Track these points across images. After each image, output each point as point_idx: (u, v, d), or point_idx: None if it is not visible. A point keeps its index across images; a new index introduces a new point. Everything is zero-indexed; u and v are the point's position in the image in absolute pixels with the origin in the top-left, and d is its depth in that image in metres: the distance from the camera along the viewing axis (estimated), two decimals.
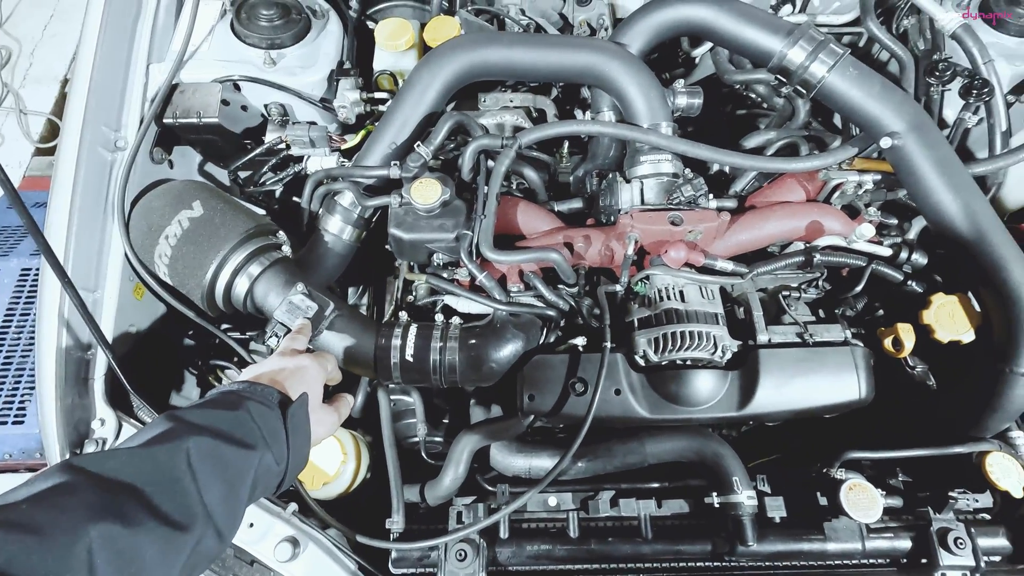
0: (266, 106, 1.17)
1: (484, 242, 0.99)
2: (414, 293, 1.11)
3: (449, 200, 1.03)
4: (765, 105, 1.41)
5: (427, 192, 1.01)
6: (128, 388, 0.96)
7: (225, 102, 1.13)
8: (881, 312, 1.14)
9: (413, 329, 0.99)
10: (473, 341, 0.98)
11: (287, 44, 1.17)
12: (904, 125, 1.03)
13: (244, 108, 1.17)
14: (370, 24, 1.26)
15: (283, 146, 1.13)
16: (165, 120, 1.09)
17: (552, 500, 0.99)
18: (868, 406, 1.16)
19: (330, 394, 0.88)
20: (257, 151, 1.12)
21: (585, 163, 1.24)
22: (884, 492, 0.94)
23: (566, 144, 1.26)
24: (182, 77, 1.13)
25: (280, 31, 1.15)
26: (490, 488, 1.01)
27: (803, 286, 1.07)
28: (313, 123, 1.14)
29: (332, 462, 1.02)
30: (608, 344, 0.93)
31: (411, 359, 0.97)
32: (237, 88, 1.15)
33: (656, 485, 1.02)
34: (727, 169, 1.23)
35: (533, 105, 1.27)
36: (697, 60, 1.54)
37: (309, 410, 0.79)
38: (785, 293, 1.06)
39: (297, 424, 0.75)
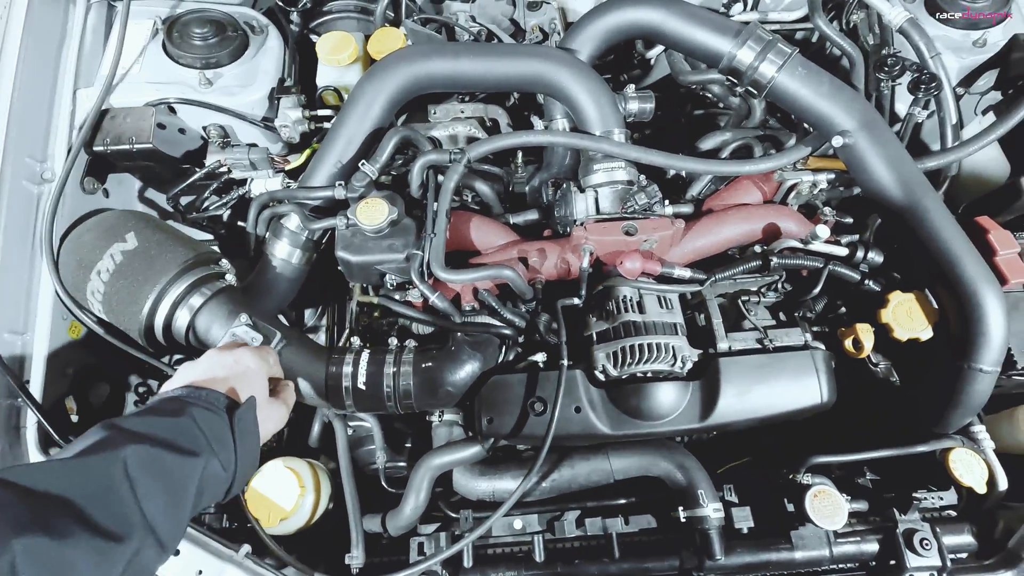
0: (205, 128, 1.13)
1: (435, 261, 0.96)
2: (373, 315, 1.08)
3: (397, 219, 0.99)
4: (721, 105, 1.40)
5: (374, 212, 0.97)
6: (57, 438, 0.91)
7: (161, 126, 1.08)
8: (844, 311, 1.13)
9: (365, 355, 0.96)
10: (427, 365, 0.94)
11: (224, 63, 1.12)
12: (854, 123, 1.02)
13: (182, 131, 1.12)
14: (313, 38, 1.22)
15: (224, 169, 1.09)
16: (95, 148, 1.04)
17: (518, 523, 0.97)
18: (835, 406, 1.17)
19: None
20: (196, 176, 1.07)
21: (540, 173, 1.22)
22: (849, 497, 0.93)
23: (520, 154, 1.24)
24: (113, 102, 1.07)
25: (216, 49, 1.11)
26: (453, 515, 0.98)
27: (762, 289, 1.06)
28: (254, 145, 1.10)
29: (289, 496, 0.98)
30: (565, 362, 0.91)
31: (364, 386, 0.94)
32: (173, 111, 1.10)
33: (623, 501, 1.00)
34: (683, 172, 1.21)
35: (485, 115, 1.25)
36: (652, 62, 1.52)
37: (258, 405, 0.76)
38: (744, 298, 1.04)
39: (245, 428, 0.73)
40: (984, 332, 0.92)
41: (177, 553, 0.87)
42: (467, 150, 1.03)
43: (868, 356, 1.06)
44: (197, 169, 1.09)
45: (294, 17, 1.23)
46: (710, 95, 1.42)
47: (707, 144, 1.23)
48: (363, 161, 1.02)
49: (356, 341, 0.99)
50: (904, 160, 1.01)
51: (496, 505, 0.95)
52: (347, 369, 0.94)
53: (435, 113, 1.22)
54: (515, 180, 1.24)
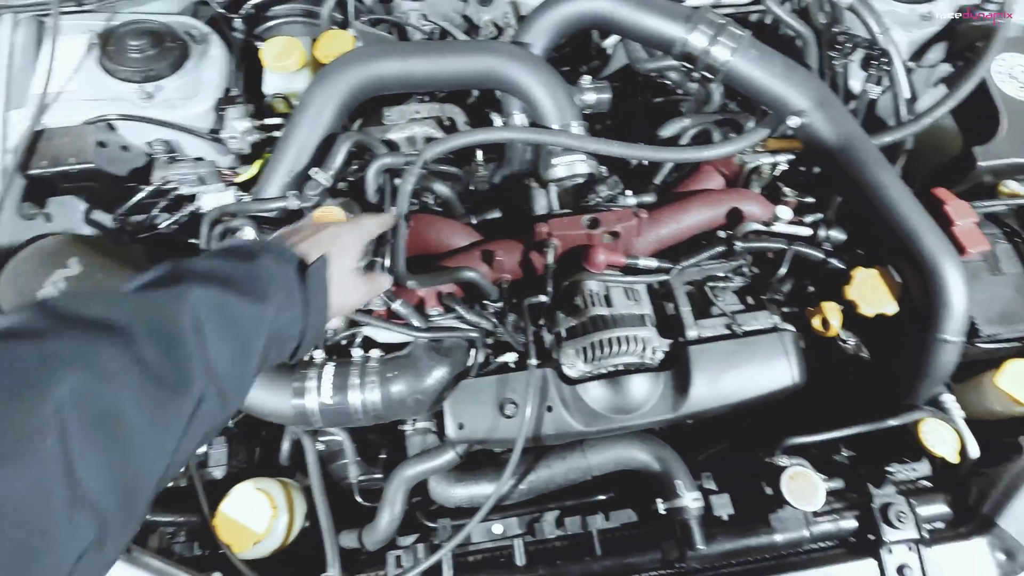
0: (149, 144, 1.09)
1: (396, 267, 0.93)
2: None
3: None
4: (680, 91, 1.40)
5: (327, 220, 0.94)
6: None
7: (102, 144, 1.04)
8: (813, 290, 1.14)
9: (329, 369, 0.93)
10: (394, 374, 0.92)
11: (164, 75, 1.08)
12: (808, 102, 1.02)
13: (125, 148, 1.08)
14: (259, 45, 1.18)
15: (172, 186, 1.05)
16: (31, 171, 0.99)
17: (497, 528, 0.95)
18: (810, 386, 1.18)
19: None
20: (142, 194, 1.03)
21: (501, 170, 1.20)
22: (825, 476, 0.94)
23: (479, 153, 1.21)
24: (47, 122, 1.02)
25: (154, 62, 1.07)
26: (431, 524, 0.96)
27: (729, 274, 1.06)
28: (200, 159, 1.06)
29: (261, 519, 0.95)
30: (534, 361, 0.89)
31: (330, 402, 0.91)
32: (113, 128, 1.06)
33: (603, 497, 0.99)
34: (645, 161, 1.20)
35: (442, 114, 1.22)
36: (609, 51, 1.51)
37: (341, 273, 0.72)
38: (712, 284, 1.04)
39: (315, 285, 0.68)
40: (945, 303, 0.93)
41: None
42: (423, 151, 1.01)
43: (838, 334, 1.07)
44: (143, 187, 1.05)
45: (237, 24, 1.19)
46: (668, 82, 1.42)
47: (667, 131, 1.23)
48: (315, 169, 0.99)
49: (319, 355, 0.97)
50: (858, 137, 1.01)
51: (474, 511, 0.94)
52: (310, 384, 0.91)
53: (390, 115, 1.20)
54: (476, 179, 1.22)
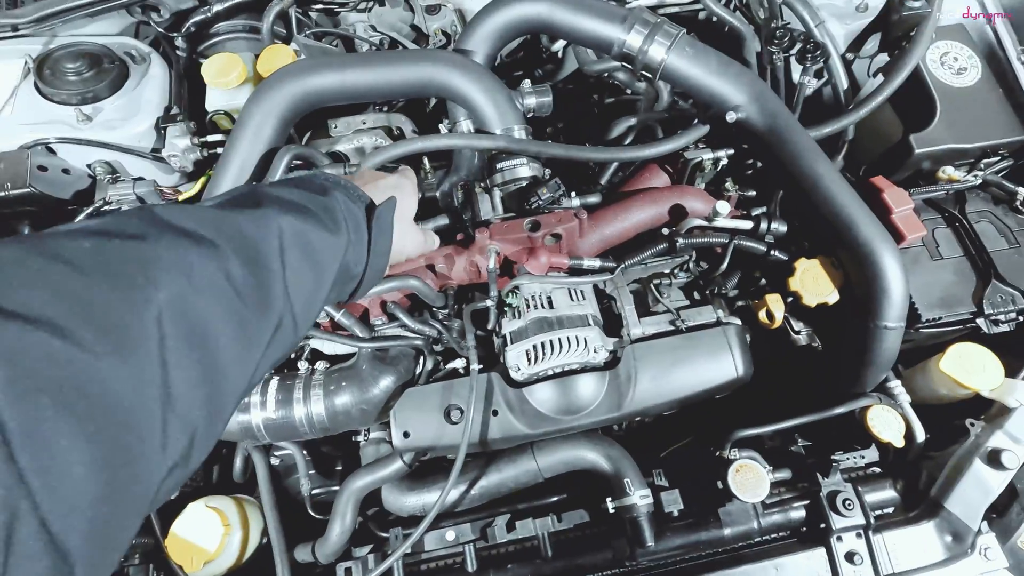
0: (90, 166, 1.08)
1: None
2: None
3: None
4: (630, 91, 1.41)
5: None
6: None
7: (42, 168, 1.03)
8: (764, 282, 1.14)
9: (273, 383, 0.93)
10: (337, 386, 0.92)
11: (103, 96, 1.08)
12: (744, 97, 1.03)
13: (66, 171, 1.08)
14: (202, 62, 1.18)
15: (114, 206, 1.05)
16: None
17: (450, 534, 0.95)
18: (767, 377, 1.18)
19: None
20: (81, 216, 1.03)
21: (449, 177, 1.20)
22: (772, 467, 0.94)
23: (427, 160, 1.22)
24: None
25: (92, 83, 1.06)
26: (383, 534, 0.96)
27: (675, 271, 1.07)
28: (140, 179, 1.06)
29: (213, 537, 0.95)
30: (475, 367, 0.89)
31: (274, 416, 0.91)
32: (52, 151, 1.06)
33: (555, 499, 0.99)
34: (592, 163, 1.21)
35: (389, 124, 1.23)
36: (560, 55, 1.52)
37: (403, 220, 0.73)
38: (657, 281, 1.04)
39: (381, 226, 0.68)
40: (885, 290, 0.94)
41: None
42: (363, 161, 1.01)
43: (790, 325, 1.08)
44: (85, 209, 1.04)
45: (179, 43, 1.19)
46: (617, 83, 1.43)
47: (614, 132, 1.24)
48: (254, 183, 0.99)
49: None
50: (794, 130, 1.02)
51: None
52: (255, 399, 0.91)
53: (336, 127, 1.20)
54: (425, 186, 1.22)
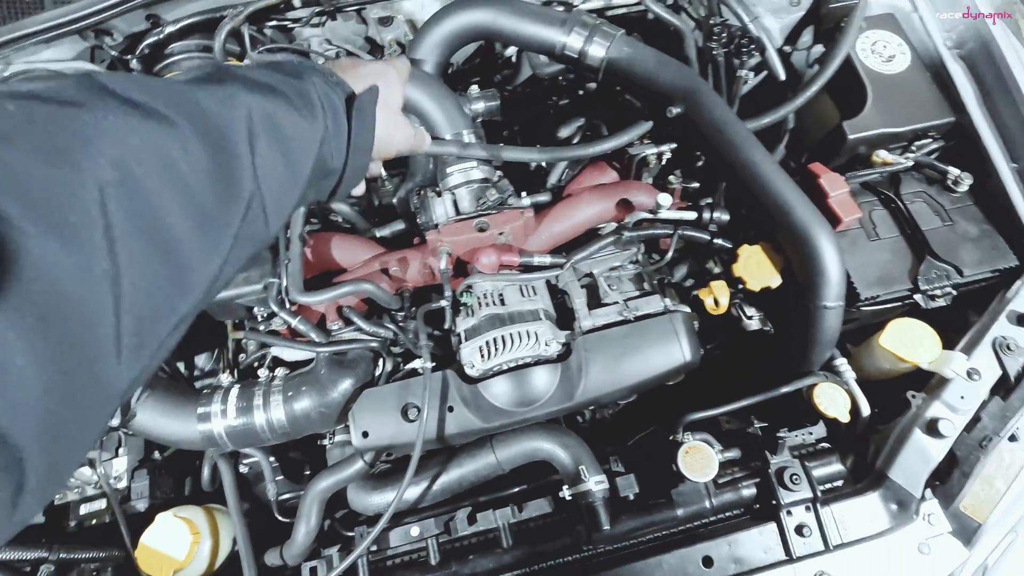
0: None
1: (293, 286, 0.96)
2: (244, 351, 1.08)
3: None
4: (582, 92, 1.45)
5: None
6: None
7: None
8: (719, 271, 1.18)
9: (234, 391, 0.95)
10: (297, 391, 0.95)
11: None
12: (682, 93, 1.07)
13: None
14: None
15: None
16: None
17: (415, 530, 0.97)
18: (725, 362, 1.22)
19: None
20: None
21: (406, 183, 1.23)
22: (722, 448, 0.98)
23: (382, 169, 1.25)
24: None
25: None
26: (348, 533, 0.98)
27: (625, 263, 1.10)
28: None
29: (181, 546, 0.97)
30: (428, 364, 0.92)
31: (235, 424, 0.93)
32: None
33: (517, 490, 1.02)
34: (544, 163, 1.25)
35: None
36: (514, 59, 1.56)
37: (387, 111, 0.66)
38: (606, 274, 1.08)
39: (364, 118, 0.60)
40: (822, 271, 0.97)
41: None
42: None
43: (742, 311, 1.11)
44: None
45: (134, 65, 1.22)
46: (569, 84, 1.47)
47: (564, 132, 1.27)
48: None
49: (224, 378, 0.99)
50: (731, 122, 1.06)
51: (392, 518, 0.96)
52: (215, 408, 0.93)
53: None
54: (382, 193, 1.25)
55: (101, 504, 1.03)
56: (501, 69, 1.63)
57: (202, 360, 1.30)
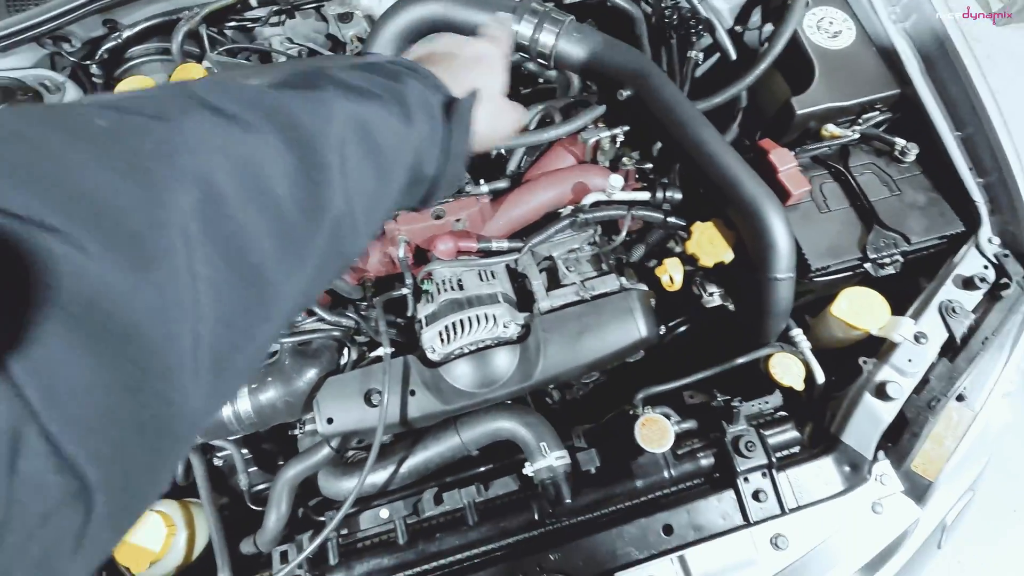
0: None
1: None
2: None
3: None
4: (541, 80, 1.46)
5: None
6: None
7: None
8: (680, 250, 1.20)
9: None
10: (262, 382, 0.97)
11: None
12: (631, 75, 1.09)
13: None
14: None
15: None
16: None
17: (384, 512, 1.00)
18: (691, 340, 1.24)
19: None
20: None
21: None
22: (679, 420, 1.00)
23: None
24: None
25: None
26: (319, 518, 1.01)
27: (583, 245, 1.12)
28: None
29: (156, 537, 0.99)
30: (388, 350, 0.94)
31: None
32: None
33: (483, 469, 1.04)
34: (503, 151, 1.27)
35: None
36: None
37: (490, 103, 0.62)
38: (565, 256, 1.10)
39: (461, 124, 0.57)
40: (771, 243, 1.00)
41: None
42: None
43: (703, 288, 1.14)
44: None
45: (95, 70, 1.23)
46: (530, 73, 1.48)
47: (522, 121, 1.29)
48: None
49: None
50: (680, 102, 1.08)
51: (361, 502, 0.99)
52: None
53: None
54: None
55: None
56: None
57: None
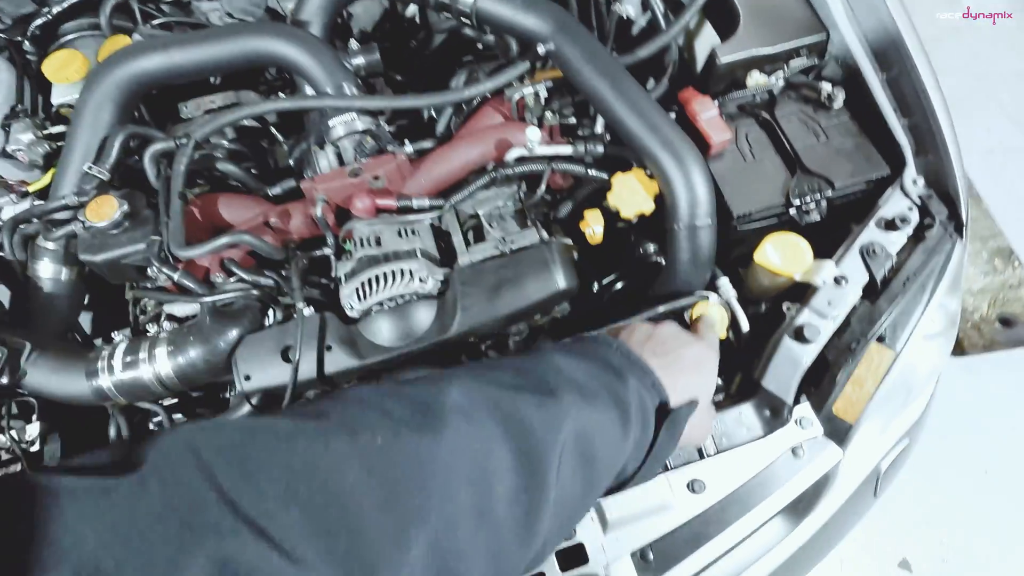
0: None
1: (173, 242, 0.99)
2: (145, 312, 1.11)
3: (134, 212, 1.02)
4: (481, 45, 1.46)
5: (103, 209, 1.00)
6: None
7: None
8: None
9: (121, 346, 0.98)
10: (184, 343, 0.97)
11: None
12: (550, 29, 1.09)
13: None
14: None
15: None
16: None
17: None
18: (629, 293, 1.23)
19: None
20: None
21: (301, 143, 1.26)
22: None
23: (276, 132, 1.27)
24: None
25: None
26: None
27: (507, 202, 1.12)
28: None
29: None
30: (300, 304, 0.95)
31: (124, 377, 0.96)
32: None
33: None
34: (434, 113, 1.27)
35: (237, 100, 1.28)
36: (417, 19, 1.57)
37: (698, 415, 0.62)
38: (488, 213, 1.10)
39: (673, 433, 0.57)
40: (689, 189, 1.00)
41: None
42: (192, 133, 1.06)
43: (642, 245, 1.14)
44: None
45: (27, 46, 1.25)
46: (469, 38, 1.48)
47: (453, 82, 1.29)
48: (89, 164, 1.04)
49: (116, 336, 1.02)
50: (599, 54, 1.07)
51: None
52: (103, 363, 0.97)
53: (185, 109, 1.25)
54: (279, 155, 1.27)
55: (16, 469, 1.07)
56: (415, 33, 1.65)
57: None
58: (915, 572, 1.79)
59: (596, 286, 1.22)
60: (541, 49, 1.09)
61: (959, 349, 2.03)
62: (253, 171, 1.21)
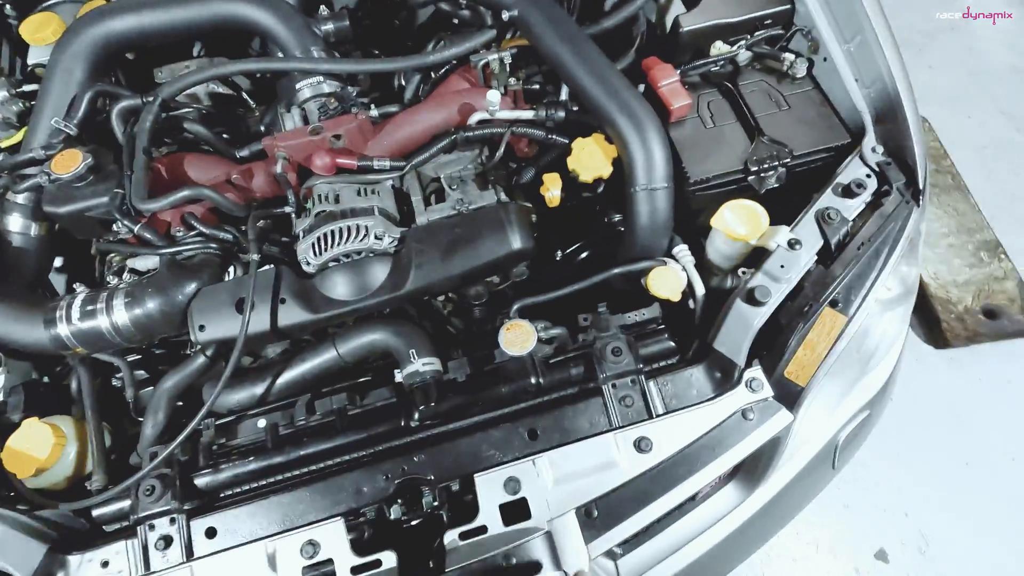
0: None
1: (136, 195, 1.00)
2: (111, 266, 1.12)
3: (99, 166, 1.04)
4: (457, 21, 1.47)
5: (68, 161, 1.02)
6: None
7: None
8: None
9: (79, 298, 1.00)
10: (142, 293, 0.99)
11: None
12: None
13: None
14: None
15: None
16: None
17: (261, 422, 1.01)
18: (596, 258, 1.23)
19: None
20: None
21: (274, 108, 1.27)
22: (547, 325, 1.00)
23: (248, 98, 1.29)
24: None
25: None
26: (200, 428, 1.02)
27: (467, 165, 1.13)
28: None
29: (44, 447, 1.02)
30: (255, 257, 0.96)
31: (82, 326, 0.98)
32: None
33: (361, 381, 1.05)
34: (402, 80, 1.28)
35: (212, 66, 1.29)
36: None
37: None
38: (448, 175, 1.11)
39: None
40: (647, 152, 1.00)
41: None
42: (159, 92, 1.08)
43: (608, 213, 1.14)
44: None
45: (8, 9, 1.28)
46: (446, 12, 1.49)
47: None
48: (56, 119, 1.06)
49: (78, 287, 1.04)
50: (562, 21, 1.08)
51: (239, 413, 1.01)
52: (61, 312, 0.98)
53: (160, 74, 1.27)
54: (252, 119, 1.29)
55: None
56: (399, 11, 1.67)
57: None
58: (892, 563, 1.77)
59: (560, 254, 1.22)
60: (505, 15, 1.10)
61: (943, 341, 2.01)
62: (225, 136, 1.22)
